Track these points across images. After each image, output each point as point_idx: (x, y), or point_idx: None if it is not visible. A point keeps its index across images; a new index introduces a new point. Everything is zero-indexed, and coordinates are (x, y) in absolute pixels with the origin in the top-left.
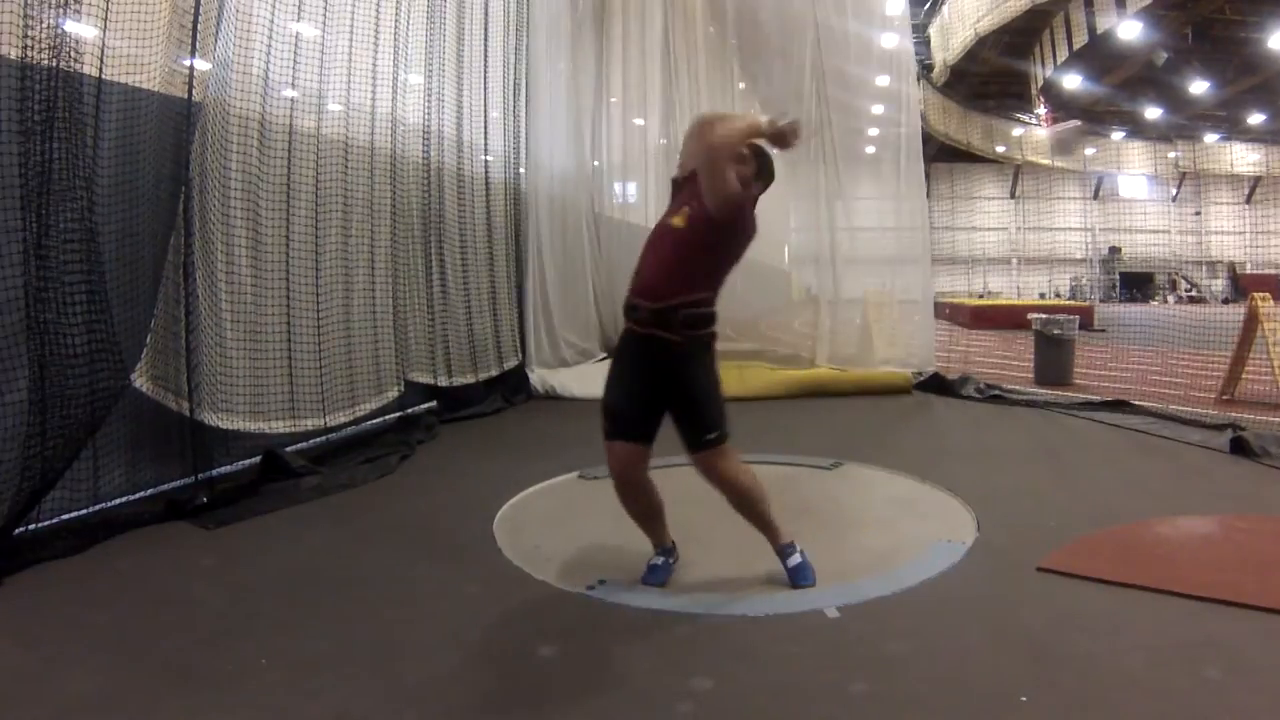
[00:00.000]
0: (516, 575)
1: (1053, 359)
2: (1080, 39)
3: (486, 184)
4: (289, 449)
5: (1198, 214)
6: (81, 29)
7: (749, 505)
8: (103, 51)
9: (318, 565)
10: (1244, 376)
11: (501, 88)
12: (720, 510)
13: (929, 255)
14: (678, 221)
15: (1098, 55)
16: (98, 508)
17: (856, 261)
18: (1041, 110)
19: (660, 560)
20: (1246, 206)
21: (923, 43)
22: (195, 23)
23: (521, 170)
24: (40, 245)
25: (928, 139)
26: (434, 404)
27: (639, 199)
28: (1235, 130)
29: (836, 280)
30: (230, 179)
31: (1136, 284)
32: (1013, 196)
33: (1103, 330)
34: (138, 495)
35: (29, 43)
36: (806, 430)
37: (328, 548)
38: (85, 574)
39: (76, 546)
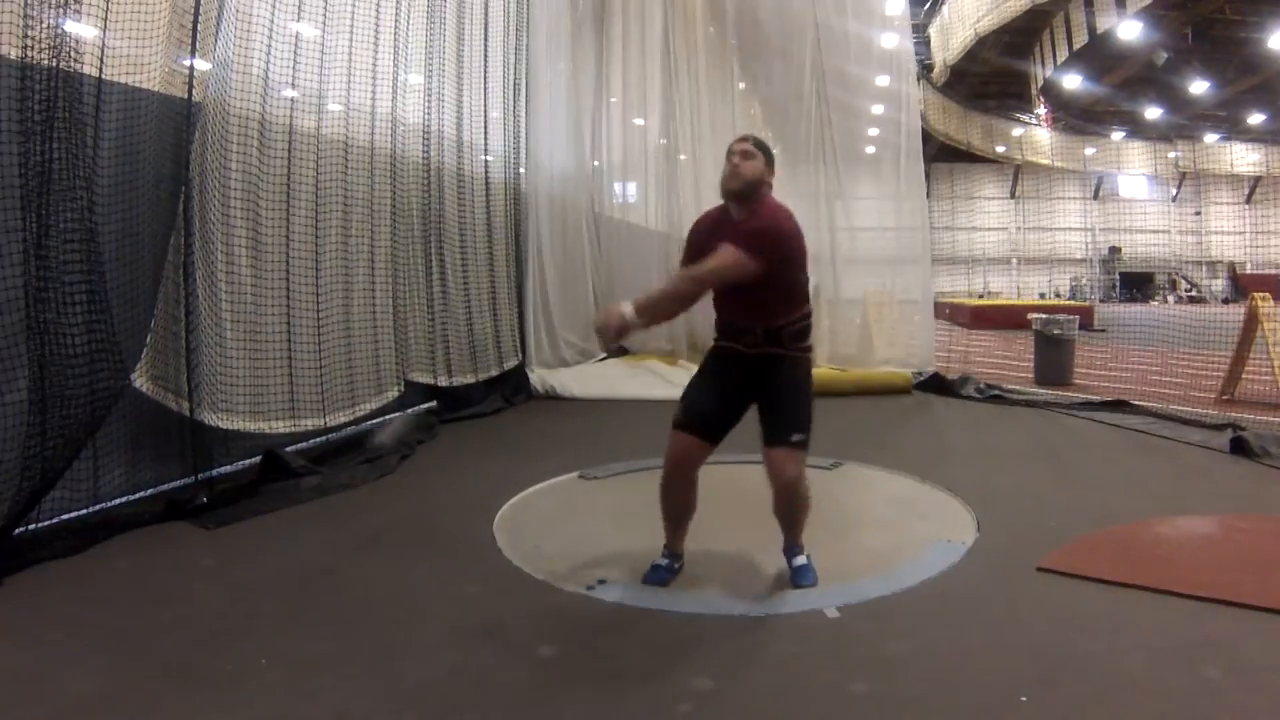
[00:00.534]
0: (516, 575)
1: (1053, 359)
2: (1080, 39)
3: (486, 184)
4: (289, 449)
5: (1198, 214)
6: (81, 29)
7: (796, 511)
8: (103, 51)
9: (318, 565)
10: (1244, 376)
11: (501, 88)
12: (721, 510)
13: (929, 255)
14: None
15: (1098, 55)
16: (98, 508)
17: (856, 261)
18: (1041, 110)
19: (665, 562)
20: (1246, 206)
21: (923, 43)
22: (195, 23)
23: (521, 170)
24: (40, 245)
25: (928, 139)
26: (434, 404)
27: (639, 199)
28: (1235, 130)
29: (836, 280)
30: (230, 179)
31: (1136, 284)
32: (1013, 196)
33: (1103, 330)
34: (138, 495)
35: (29, 43)
36: None
37: (328, 548)
38: (85, 574)
39: (76, 546)
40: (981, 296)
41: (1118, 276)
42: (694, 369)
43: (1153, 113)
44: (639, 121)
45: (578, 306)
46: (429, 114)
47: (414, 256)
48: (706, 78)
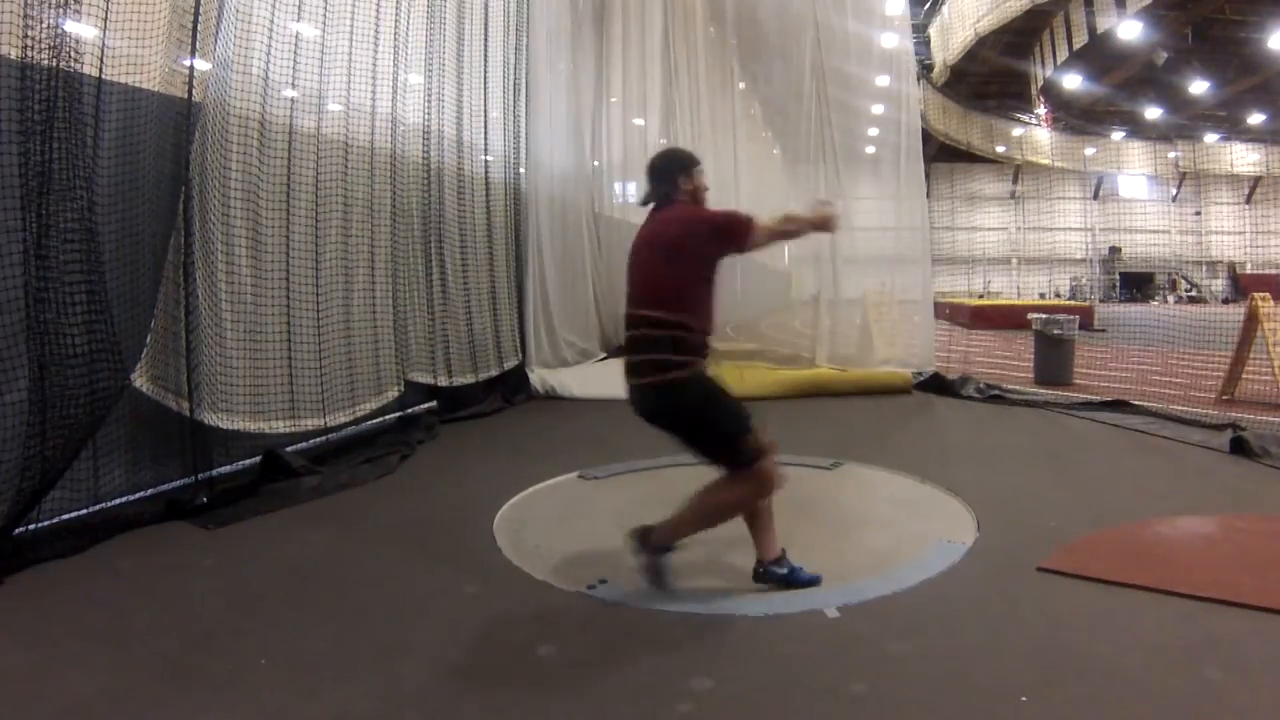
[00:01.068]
0: (516, 575)
1: (1053, 359)
2: (1080, 39)
3: (486, 184)
4: (289, 449)
5: (1198, 214)
6: (81, 29)
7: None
8: (103, 51)
9: (318, 565)
10: (1244, 376)
11: (501, 88)
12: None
13: (929, 255)
14: None
15: (1098, 55)
16: (98, 508)
17: (856, 261)
18: (1041, 110)
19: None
20: (1246, 206)
21: (923, 43)
22: (195, 23)
23: (521, 170)
24: (40, 245)
25: (928, 139)
26: (434, 404)
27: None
28: (1235, 130)
29: (836, 280)
30: (230, 179)
31: (1136, 284)
32: (1013, 196)
33: (1103, 330)
34: (138, 495)
35: (29, 43)
36: (806, 430)
37: (328, 548)
38: (85, 574)
39: (76, 546)
40: (981, 296)
41: (1118, 276)
42: None
43: (1153, 113)
44: (639, 121)
45: (578, 306)
46: (429, 114)
47: (414, 256)
48: (706, 78)
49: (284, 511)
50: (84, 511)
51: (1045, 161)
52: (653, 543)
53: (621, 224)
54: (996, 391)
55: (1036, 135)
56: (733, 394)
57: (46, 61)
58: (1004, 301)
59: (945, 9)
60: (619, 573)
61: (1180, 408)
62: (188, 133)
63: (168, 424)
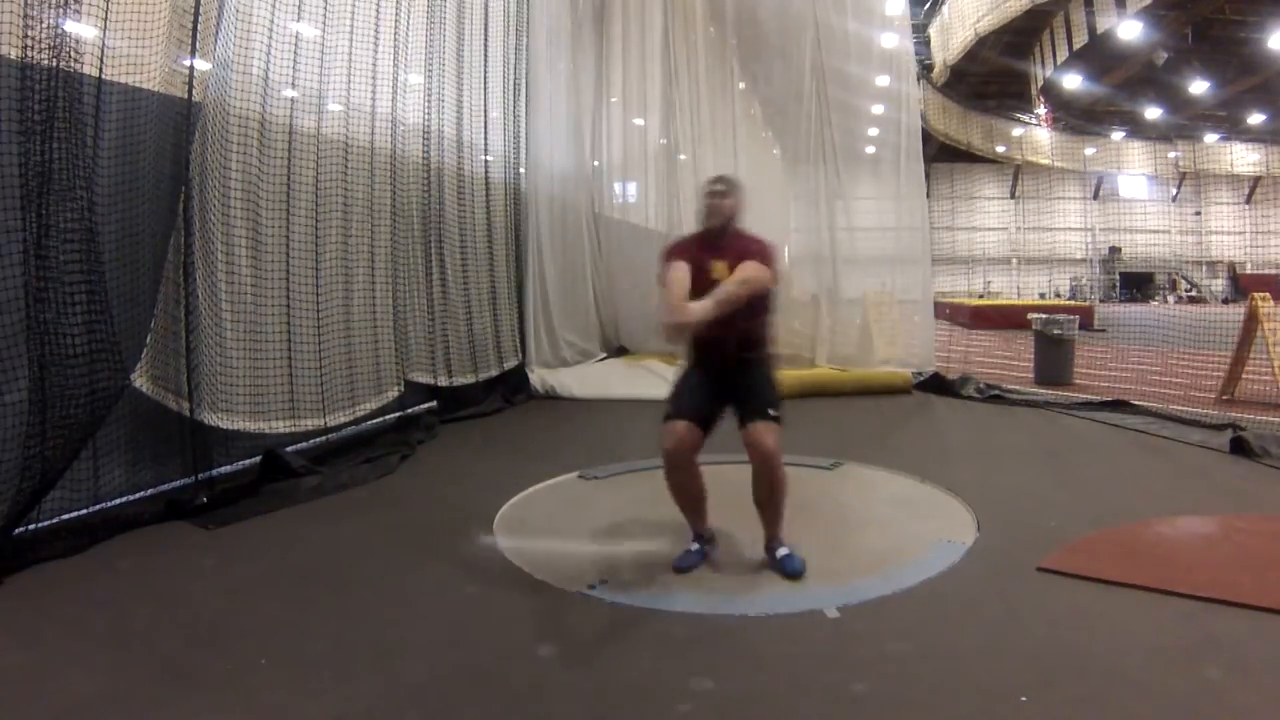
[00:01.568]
0: (516, 575)
1: (1053, 359)
2: (1080, 39)
3: (486, 184)
4: (289, 449)
5: (1198, 214)
6: (81, 29)
7: (777, 495)
8: (103, 51)
9: (318, 565)
10: (1244, 376)
11: (501, 88)
12: (720, 511)
13: (929, 255)
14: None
15: (1098, 55)
16: (98, 508)
17: (856, 261)
18: (1041, 110)
19: (695, 547)
20: (1246, 206)
21: (923, 43)
22: (195, 23)
23: (521, 170)
24: (40, 245)
25: (928, 139)
26: (434, 404)
27: (639, 199)
28: (1235, 130)
29: (836, 280)
30: (230, 179)
31: (1136, 284)
32: (1013, 196)
33: (1103, 330)
34: (138, 495)
35: (29, 43)
36: (806, 430)
37: (327, 548)
38: (85, 574)
39: (76, 546)
40: (981, 296)
41: (1118, 276)
42: None
43: (1153, 113)
44: (639, 121)
45: (578, 306)
46: (429, 114)
47: (414, 256)
48: (706, 78)
49: (284, 511)
50: (84, 511)
51: (1045, 161)
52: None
53: (621, 224)
54: (996, 391)
55: (1036, 135)
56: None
57: (46, 61)
58: (1004, 301)
59: (945, 9)
60: (619, 573)
61: (1180, 408)
62: (188, 133)
63: (168, 424)
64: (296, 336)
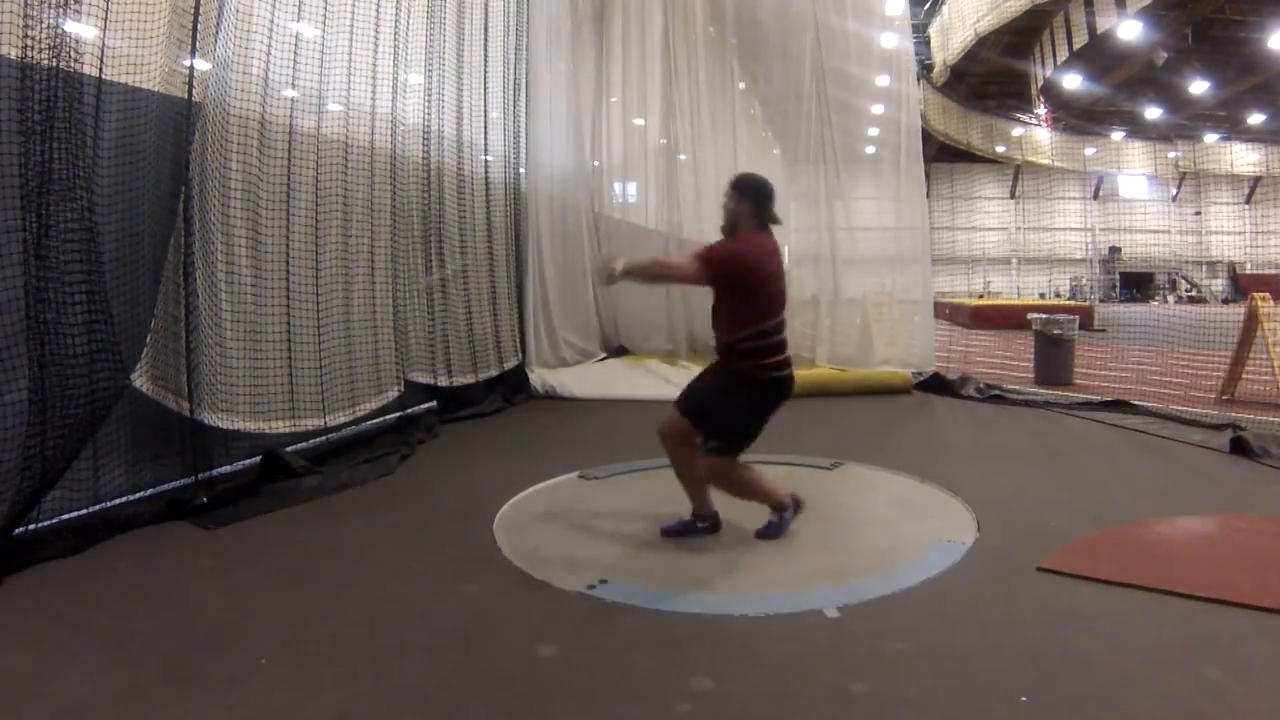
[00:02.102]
0: (516, 575)
1: (1053, 359)
2: (1080, 39)
3: (486, 184)
4: (289, 449)
5: (1198, 214)
6: (81, 29)
7: (682, 475)
8: (103, 51)
9: (318, 565)
10: (1244, 376)
11: (501, 88)
12: (720, 511)
13: (929, 255)
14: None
15: (1098, 55)
16: (98, 508)
17: (856, 261)
18: (1041, 110)
19: (702, 525)
20: (1246, 206)
21: (923, 43)
22: (195, 23)
23: (521, 170)
24: (40, 245)
25: (928, 139)
26: (434, 404)
27: (639, 199)
28: (1235, 130)
29: (836, 280)
30: (230, 179)
31: (1136, 284)
32: (1013, 196)
33: (1103, 330)
34: (138, 495)
35: (29, 43)
36: (806, 430)
37: (328, 548)
38: (85, 574)
39: (76, 546)
40: (981, 296)
41: (1118, 276)
42: (694, 369)
43: (1153, 113)
44: (639, 121)
45: (578, 306)
46: (429, 114)
47: (414, 256)
48: (706, 78)
49: (284, 511)
50: (84, 511)
51: (1045, 161)
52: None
53: (621, 224)
54: (996, 391)
55: (1036, 135)
56: None
57: (46, 61)
58: (1004, 301)
59: (945, 9)
60: (619, 573)
61: (1180, 408)
62: (188, 133)
63: (168, 424)
64: (296, 336)
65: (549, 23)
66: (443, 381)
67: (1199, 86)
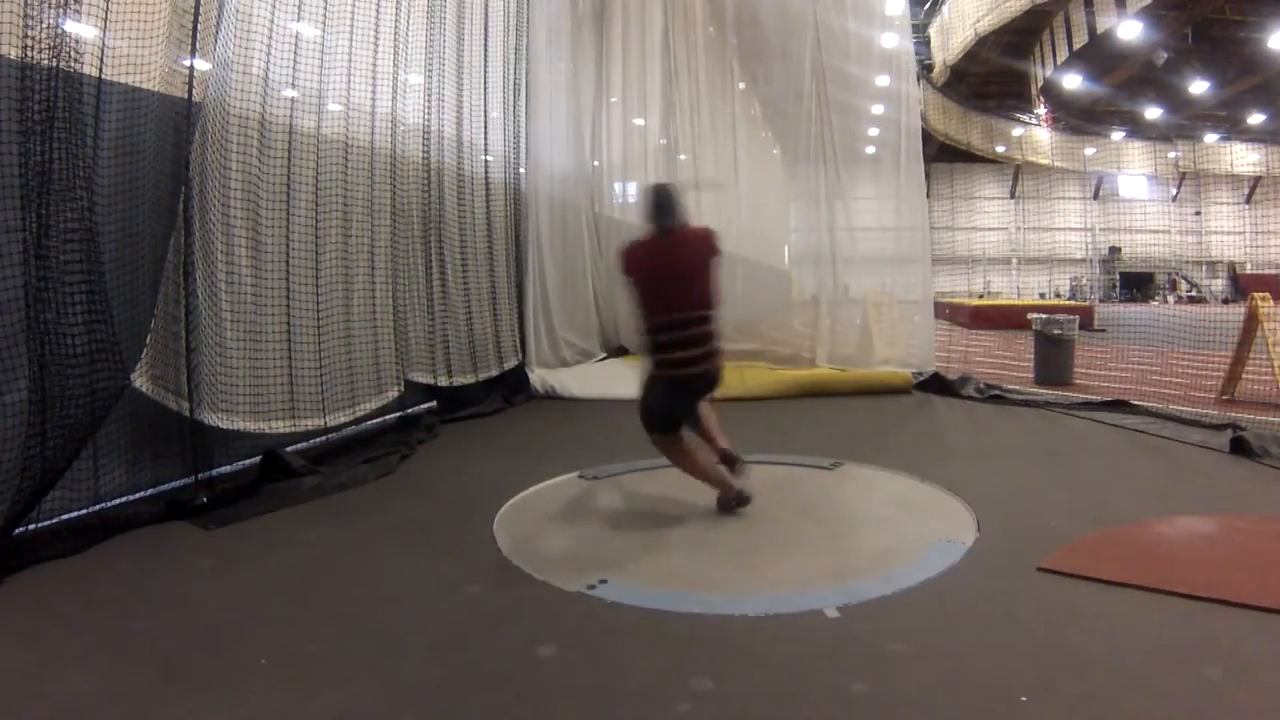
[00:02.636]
0: (516, 575)
1: (1053, 359)
2: (1080, 39)
3: (486, 184)
4: (289, 449)
5: (1198, 214)
6: (81, 29)
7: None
8: (103, 51)
9: (317, 565)
10: (1244, 376)
11: (501, 88)
12: (720, 511)
13: (929, 255)
14: None
15: (1098, 55)
16: (98, 508)
17: (856, 261)
18: (1041, 110)
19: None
20: (1246, 206)
21: (923, 43)
22: (195, 23)
23: (521, 170)
24: (40, 245)
25: (928, 139)
26: (434, 404)
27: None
28: (1235, 130)
29: (837, 280)
30: (230, 179)
31: (1136, 284)
32: (1013, 196)
33: (1103, 330)
34: (138, 495)
35: (29, 43)
36: (806, 430)
37: (327, 548)
38: (85, 574)
39: (76, 546)
40: (981, 296)
41: (1118, 276)
42: None
43: (1153, 113)
44: (639, 121)
45: (578, 306)
46: (429, 114)
47: (414, 256)
48: (706, 78)
49: (284, 511)
50: (84, 511)
51: (1045, 161)
52: (735, 460)
53: (621, 224)
54: (996, 391)
55: (1036, 135)
56: None
57: (46, 61)
58: (1004, 301)
59: (945, 9)
60: (619, 573)
61: (1180, 408)
62: (188, 133)
63: (168, 424)
64: (296, 336)
65: (549, 23)
66: (443, 381)
67: (1199, 86)
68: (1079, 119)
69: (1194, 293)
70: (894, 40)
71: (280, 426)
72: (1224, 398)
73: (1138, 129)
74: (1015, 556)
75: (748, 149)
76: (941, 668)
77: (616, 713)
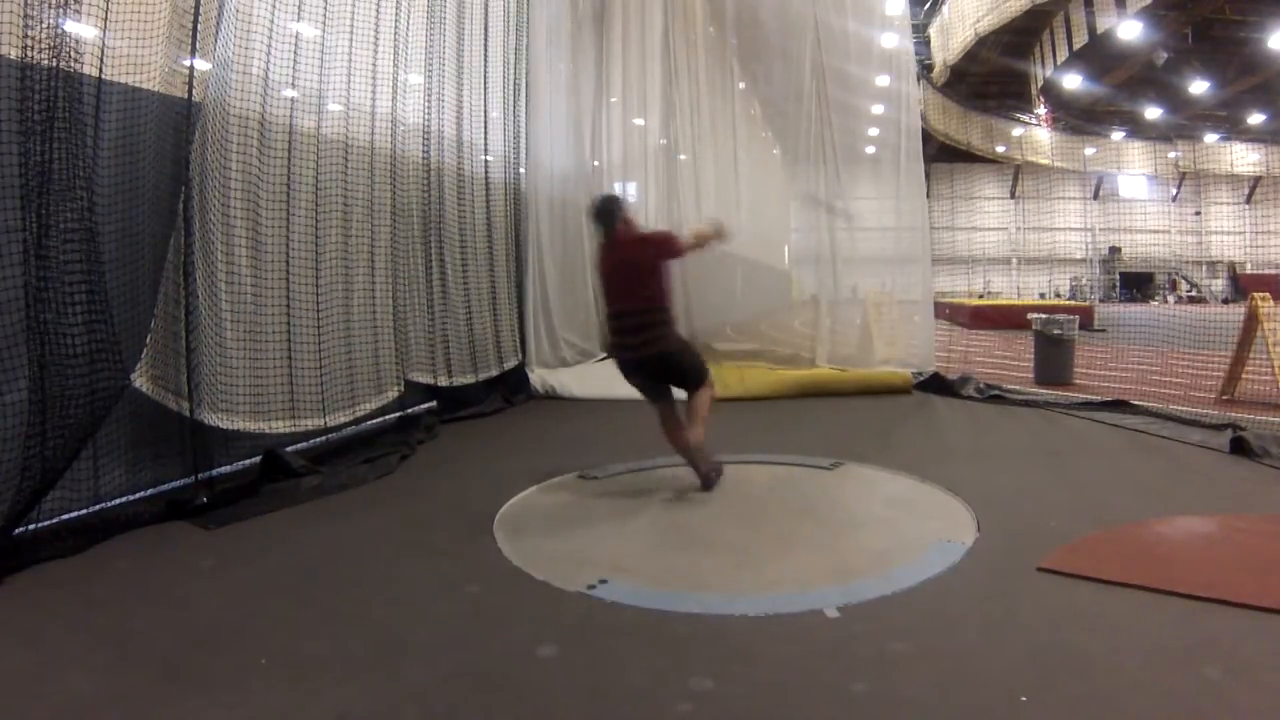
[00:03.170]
0: (516, 575)
1: (1053, 359)
2: (1080, 39)
3: (486, 184)
4: (289, 449)
5: (1198, 214)
6: (81, 29)
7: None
8: (103, 51)
9: (318, 565)
10: (1244, 376)
11: (501, 88)
12: (721, 510)
13: (929, 255)
14: None
15: (1098, 55)
16: (98, 508)
17: (856, 261)
18: (1041, 110)
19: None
20: (1246, 206)
21: (923, 43)
22: (195, 23)
23: (521, 170)
24: (40, 245)
25: (928, 139)
26: (434, 404)
27: (639, 199)
28: (1235, 130)
29: (837, 280)
30: (230, 179)
31: (1136, 284)
32: (1013, 196)
33: (1103, 330)
34: (138, 495)
35: (29, 43)
36: (806, 430)
37: (327, 548)
38: (85, 574)
39: (76, 546)
40: (981, 296)
41: (1118, 276)
42: None
43: (1153, 113)
44: (639, 121)
45: (578, 306)
46: (429, 114)
47: (414, 256)
48: (706, 78)
49: (284, 511)
50: (84, 511)
51: (1045, 161)
52: (703, 451)
53: None
54: (996, 391)
55: (1036, 135)
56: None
57: (46, 61)
58: (1004, 301)
59: (945, 9)
60: (619, 573)
61: (1180, 408)
62: (188, 133)
63: (168, 424)
64: (296, 336)
65: (549, 23)
66: (443, 381)
67: (1199, 86)
68: (1079, 119)
69: (1194, 293)
70: (894, 40)
71: (280, 426)
72: (1224, 398)
73: (1138, 129)
74: (1015, 556)
75: (748, 149)
76: (941, 668)
77: (616, 713)
